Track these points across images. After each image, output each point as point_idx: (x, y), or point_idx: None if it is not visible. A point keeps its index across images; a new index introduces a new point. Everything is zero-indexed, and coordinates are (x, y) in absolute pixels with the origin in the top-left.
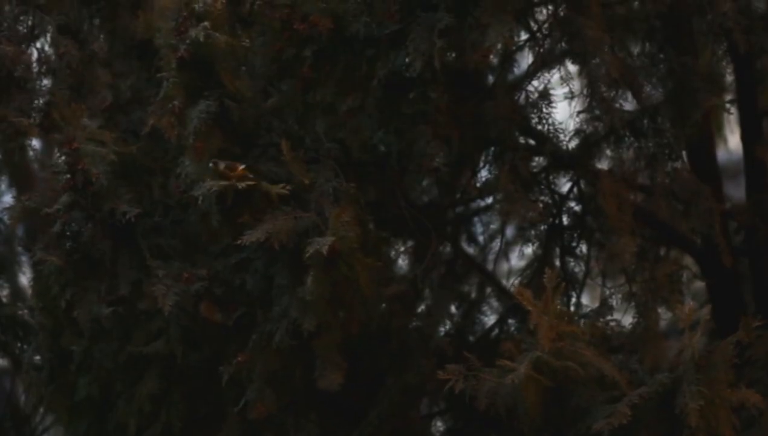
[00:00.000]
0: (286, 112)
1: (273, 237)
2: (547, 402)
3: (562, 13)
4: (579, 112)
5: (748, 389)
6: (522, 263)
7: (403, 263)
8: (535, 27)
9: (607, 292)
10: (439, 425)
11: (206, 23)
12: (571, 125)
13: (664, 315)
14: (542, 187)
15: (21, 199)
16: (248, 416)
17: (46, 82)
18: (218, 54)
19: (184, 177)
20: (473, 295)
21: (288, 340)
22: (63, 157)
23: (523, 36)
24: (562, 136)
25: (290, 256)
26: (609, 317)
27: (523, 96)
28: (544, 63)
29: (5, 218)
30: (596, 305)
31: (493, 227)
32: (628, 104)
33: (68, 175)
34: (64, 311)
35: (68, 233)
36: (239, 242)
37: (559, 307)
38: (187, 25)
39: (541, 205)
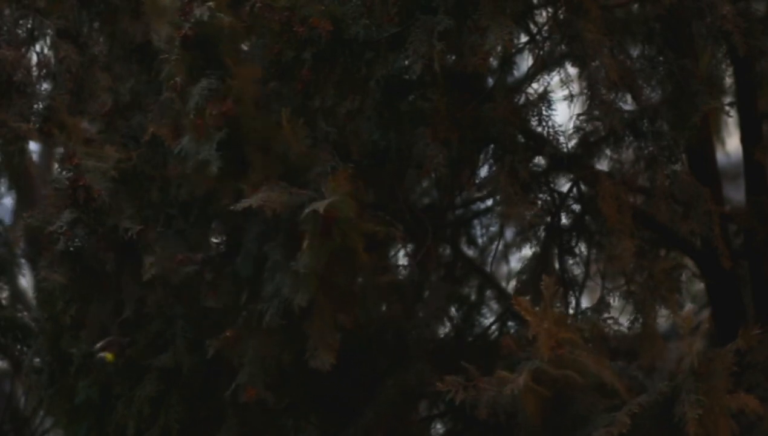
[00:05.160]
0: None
1: (267, 205)
2: (547, 411)
3: (561, 16)
4: (578, 115)
5: (747, 393)
6: (522, 265)
7: (402, 265)
8: (534, 29)
9: (607, 293)
10: (438, 427)
11: (211, 3)
12: (571, 127)
13: (662, 314)
14: (542, 188)
15: (23, 217)
16: (239, 400)
17: (45, 86)
18: (222, 34)
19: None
20: (473, 297)
21: (279, 319)
22: (64, 173)
23: (523, 38)
24: (561, 138)
25: (285, 231)
26: (607, 315)
27: (522, 98)
28: (543, 65)
29: (5, 221)
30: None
31: (492, 229)
32: (628, 107)
33: (70, 192)
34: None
35: (71, 250)
36: (232, 207)
37: (557, 311)
38: (191, 6)
39: (539, 203)
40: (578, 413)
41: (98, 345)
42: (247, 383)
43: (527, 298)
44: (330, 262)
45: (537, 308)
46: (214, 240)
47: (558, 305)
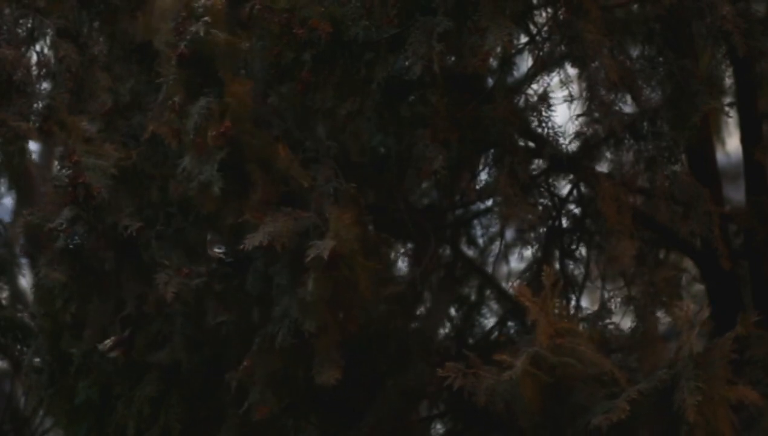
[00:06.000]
0: (286, 114)
1: (275, 240)
2: (546, 398)
3: (561, 17)
4: (578, 115)
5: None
6: (522, 266)
7: (402, 265)
8: (534, 30)
9: (606, 295)
10: (438, 427)
11: (207, 18)
12: (571, 128)
13: (663, 319)
14: (542, 190)
15: (23, 214)
16: (251, 418)
17: (45, 85)
18: (218, 51)
19: (185, 173)
20: (473, 297)
21: (290, 339)
22: (64, 171)
23: (523, 39)
24: (561, 139)
25: (291, 257)
26: (608, 320)
27: (522, 99)
28: (543, 66)
29: (5, 223)
30: (595, 307)
31: (492, 229)
32: (628, 107)
33: (70, 189)
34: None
35: (71, 247)
36: (241, 246)
37: (557, 306)
38: (186, 24)
39: (540, 208)
40: (578, 403)
41: (107, 343)
42: (258, 402)
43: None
44: (336, 289)
45: (537, 299)
46: (217, 250)
47: (558, 303)
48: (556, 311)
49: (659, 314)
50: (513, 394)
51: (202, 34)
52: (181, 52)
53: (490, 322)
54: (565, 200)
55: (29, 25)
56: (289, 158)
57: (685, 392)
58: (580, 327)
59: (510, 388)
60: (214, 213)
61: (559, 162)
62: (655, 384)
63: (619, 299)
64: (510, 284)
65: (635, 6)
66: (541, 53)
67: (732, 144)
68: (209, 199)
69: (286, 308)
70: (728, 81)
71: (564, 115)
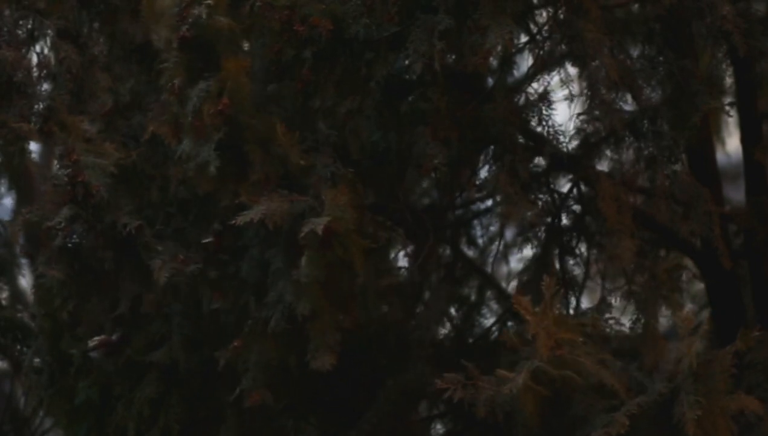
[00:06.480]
0: (287, 106)
1: (268, 218)
2: (546, 411)
3: (561, 16)
4: (579, 114)
5: (746, 394)
6: (522, 266)
7: (402, 265)
8: (534, 29)
9: (608, 292)
10: (438, 427)
11: (210, 1)
12: (571, 127)
13: (664, 313)
14: (543, 188)
15: (22, 212)
16: (244, 404)
17: (46, 86)
18: (220, 36)
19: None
20: (473, 297)
21: (283, 324)
22: (63, 169)
23: (523, 38)
24: (561, 138)
25: (286, 239)
26: (608, 315)
27: (522, 98)
28: (543, 65)
29: (5, 222)
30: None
31: (492, 229)
32: (628, 106)
33: (69, 188)
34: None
35: (70, 246)
36: (234, 222)
37: (557, 311)
38: (189, 10)
39: (540, 203)
40: (577, 414)
41: (90, 344)
42: (251, 388)
43: (527, 298)
44: (330, 271)
45: (537, 308)
46: (208, 239)
47: (558, 305)
48: (556, 317)
49: (660, 307)
50: (513, 406)
51: (204, 17)
52: (183, 35)
53: (490, 322)
54: (565, 199)
55: (29, 26)
56: (287, 139)
57: (685, 405)
58: (580, 325)
59: (510, 400)
60: (210, 194)
61: (560, 161)
62: (655, 398)
63: (619, 294)
64: (510, 284)
65: (635, 6)
66: (541, 52)
67: (732, 144)
68: (205, 180)
69: (281, 292)
70: (728, 81)
71: (564, 114)
